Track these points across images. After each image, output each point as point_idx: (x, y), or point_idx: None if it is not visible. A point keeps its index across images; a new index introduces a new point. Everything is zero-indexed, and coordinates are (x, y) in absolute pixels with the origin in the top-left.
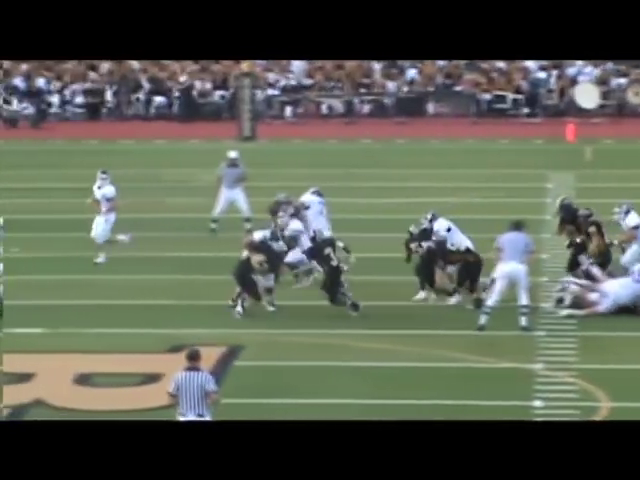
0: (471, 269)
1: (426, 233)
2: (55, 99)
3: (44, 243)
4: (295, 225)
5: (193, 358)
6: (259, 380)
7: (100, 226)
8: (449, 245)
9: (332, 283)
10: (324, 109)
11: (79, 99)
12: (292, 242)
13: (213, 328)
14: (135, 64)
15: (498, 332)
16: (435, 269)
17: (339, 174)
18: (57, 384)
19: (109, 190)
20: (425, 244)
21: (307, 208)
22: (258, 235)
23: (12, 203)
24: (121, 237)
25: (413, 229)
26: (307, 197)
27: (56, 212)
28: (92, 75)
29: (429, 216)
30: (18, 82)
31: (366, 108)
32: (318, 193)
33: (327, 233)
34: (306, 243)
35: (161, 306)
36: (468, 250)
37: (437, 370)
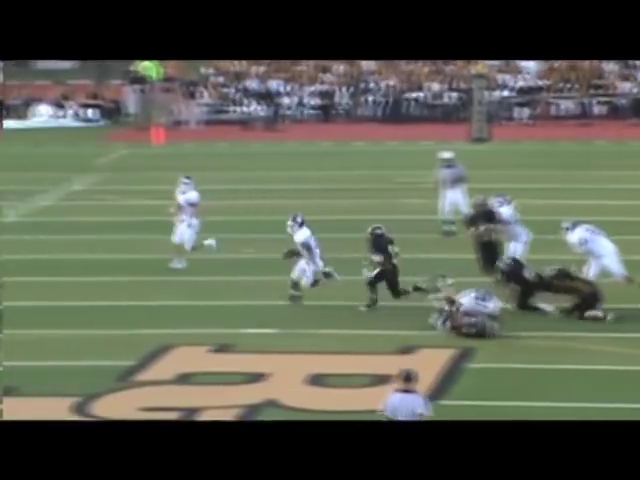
0: (586, 300)
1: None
2: (289, 101)
3: (272, 244)
4: (303, 235)
5: (408, 380)
6: (487, 382)
7: (185, 233)
8: (573, 269)
9: (394, 279)
10: (558, 110)
11: (312, 101)
12: (305, 250)
13: None
14: (368, 65)
15: None
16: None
17: (573, 176)
18: (290, 384)
19: (193, 195)
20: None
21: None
22: (465, 299)
23: (247, 204)
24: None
25: None
26: (506, 211)
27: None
28: (325, 77)
29: (566, 225)
30: (253, 84)
31: (600, 109)
32: (502, 201)
33: (525, 238)
34: (316, 250)
35: (392, 307)
36: (587, 281)
37: None
